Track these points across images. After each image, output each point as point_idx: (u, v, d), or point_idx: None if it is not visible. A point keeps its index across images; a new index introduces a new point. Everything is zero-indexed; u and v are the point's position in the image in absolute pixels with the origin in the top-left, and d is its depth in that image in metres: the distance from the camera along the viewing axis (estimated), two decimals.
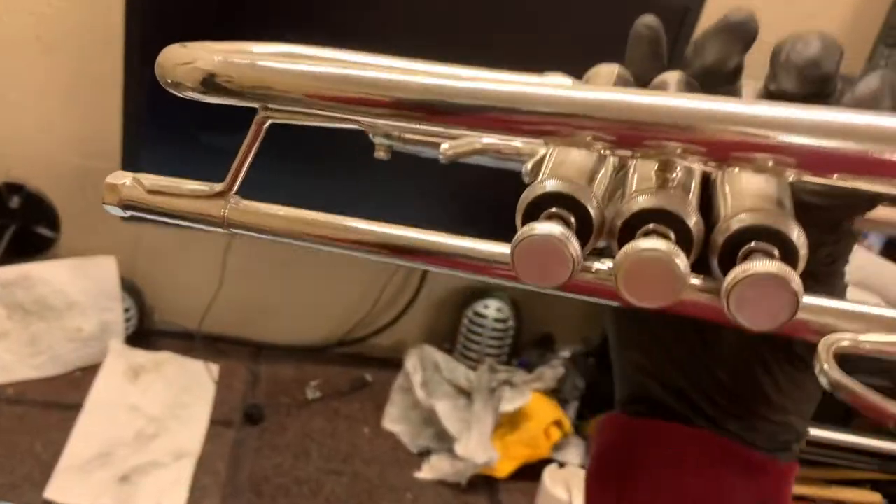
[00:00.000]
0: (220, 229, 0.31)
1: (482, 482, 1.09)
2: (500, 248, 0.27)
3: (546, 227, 0.24)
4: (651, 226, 0.25)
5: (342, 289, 1.30)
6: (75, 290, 1.14)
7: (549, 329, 1.35)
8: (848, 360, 0.23)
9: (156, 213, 0.31)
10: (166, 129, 1.02)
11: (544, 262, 0.24)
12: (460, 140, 0.37)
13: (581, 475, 1.07)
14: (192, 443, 1.05)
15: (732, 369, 0.32)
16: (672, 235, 0.25)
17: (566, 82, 0.33)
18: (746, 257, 0.24)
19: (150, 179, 0.31)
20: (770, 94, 0.28)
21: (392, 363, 1.25)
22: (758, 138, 0.22)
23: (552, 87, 0.24)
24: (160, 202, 0.31)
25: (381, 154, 0.39)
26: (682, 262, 0.22)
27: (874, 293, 1.08)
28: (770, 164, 0.22)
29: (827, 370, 0.22)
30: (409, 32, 1.00)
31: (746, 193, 0.26)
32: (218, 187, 0.30)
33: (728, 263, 0.24)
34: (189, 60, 0.28)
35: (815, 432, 1.02)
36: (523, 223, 0.26)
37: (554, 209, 0.26)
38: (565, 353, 1.27)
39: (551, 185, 0.26)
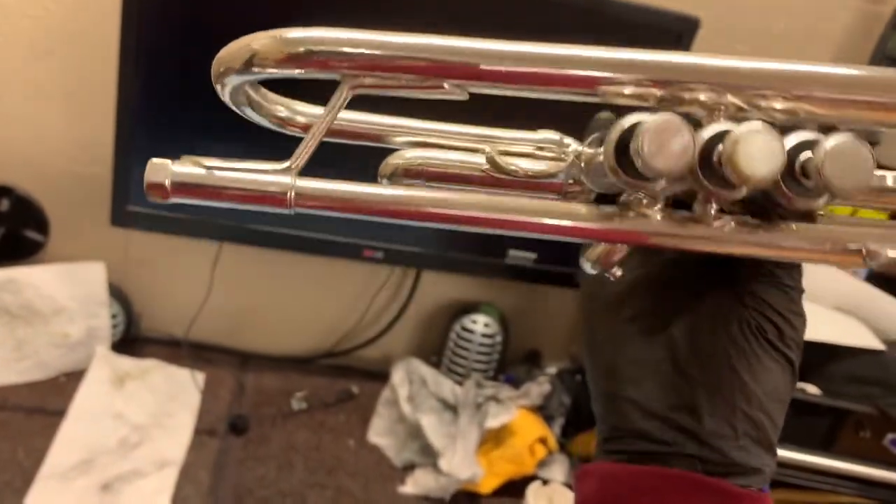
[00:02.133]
0: (282, 210, 0.29)
1: (466, 498, 1.09)
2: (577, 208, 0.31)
3: (662, 115, 0.28)
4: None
5: (330, 300, 1.30)
6: (63, 296, 1.13)
7: (536, 345, 1.36)
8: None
9: (210, 193, 0.29)
10: (159, 136, 1.02)
11: (670, 143, 0.28)
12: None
13: (565, 492, 1.07)
14: (175, 452, 1.05)
15: (709, 361, 0.35)
16: None
17: (554, 138, 0.37)
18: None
19: (205, 159, 0.29)
20: None
21: (379, 376, 1.25)
22: None
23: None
24: (218, 180, 0.29)
25: None
26: (776, 132, 0.28)
27: (860, 320, 1.09)
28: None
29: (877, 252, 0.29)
30: None
31: None
32: (283, 164, 0.29)
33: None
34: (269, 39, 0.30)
35: (797, 456, 1.03)
36: (617, 154, 0.29)
37: None
38: (552, 370, 1.28)
39: (635, 117, 0.30)
